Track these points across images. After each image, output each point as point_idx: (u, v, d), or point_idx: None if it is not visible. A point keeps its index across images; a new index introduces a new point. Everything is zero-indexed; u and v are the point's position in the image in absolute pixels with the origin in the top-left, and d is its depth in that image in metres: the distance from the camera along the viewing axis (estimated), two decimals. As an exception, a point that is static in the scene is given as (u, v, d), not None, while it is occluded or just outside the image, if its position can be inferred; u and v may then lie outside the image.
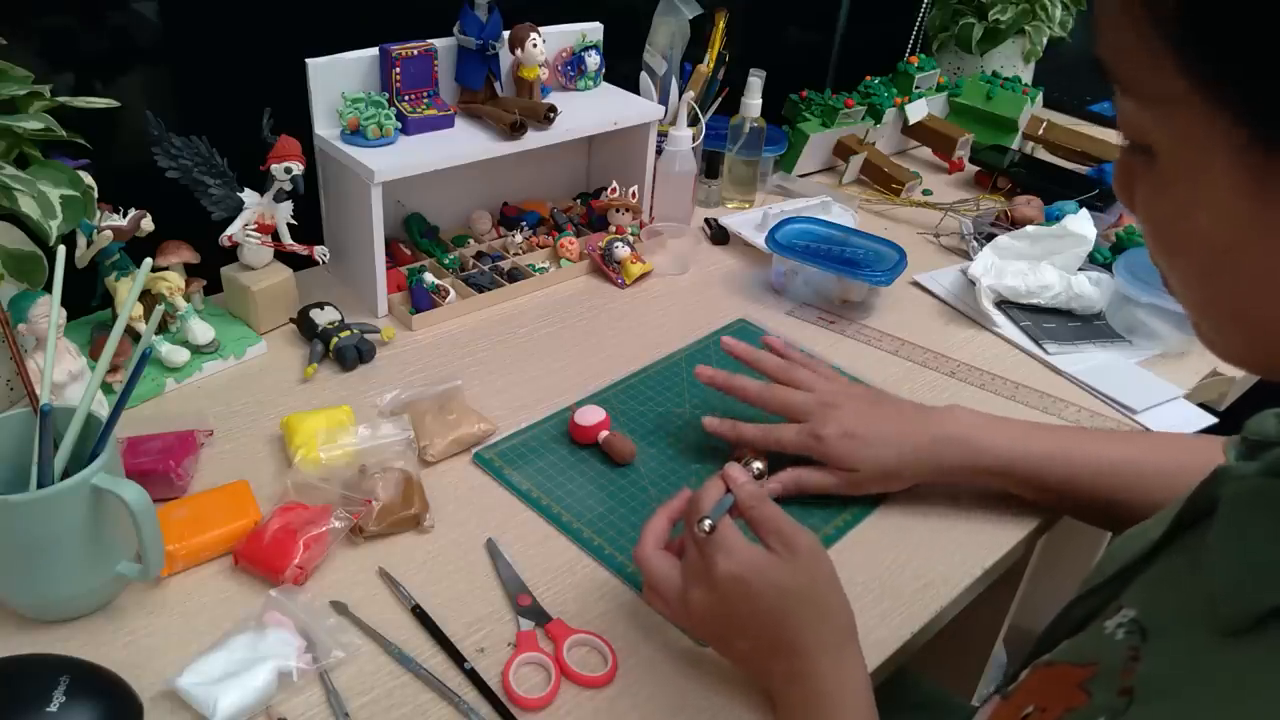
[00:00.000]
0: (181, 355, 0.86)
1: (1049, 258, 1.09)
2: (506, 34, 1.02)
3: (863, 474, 0.75)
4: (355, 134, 0.93)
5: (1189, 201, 0.35)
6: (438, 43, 1.00)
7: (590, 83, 1.14)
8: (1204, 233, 0.35)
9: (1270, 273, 0.33)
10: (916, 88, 1.50)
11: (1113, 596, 0.45)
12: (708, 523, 0.60)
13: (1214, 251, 0.35)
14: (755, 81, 1.23)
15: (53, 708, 0.53)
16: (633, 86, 1.19)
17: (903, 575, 0.72)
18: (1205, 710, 0.34)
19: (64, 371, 0.73)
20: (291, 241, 0.94)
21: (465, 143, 0.99)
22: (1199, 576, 0.39)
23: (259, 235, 0.91)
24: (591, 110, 1.09)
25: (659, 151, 1.17)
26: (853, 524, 0.76)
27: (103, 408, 0.72)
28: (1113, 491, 0.72)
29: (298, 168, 0.89)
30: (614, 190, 1.13)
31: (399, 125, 0.96)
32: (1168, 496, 0.58)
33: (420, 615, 0.65)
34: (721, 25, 1.23)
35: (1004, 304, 1.08)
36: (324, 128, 0.96)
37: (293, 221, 0.94)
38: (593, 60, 1.13)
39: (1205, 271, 0.36)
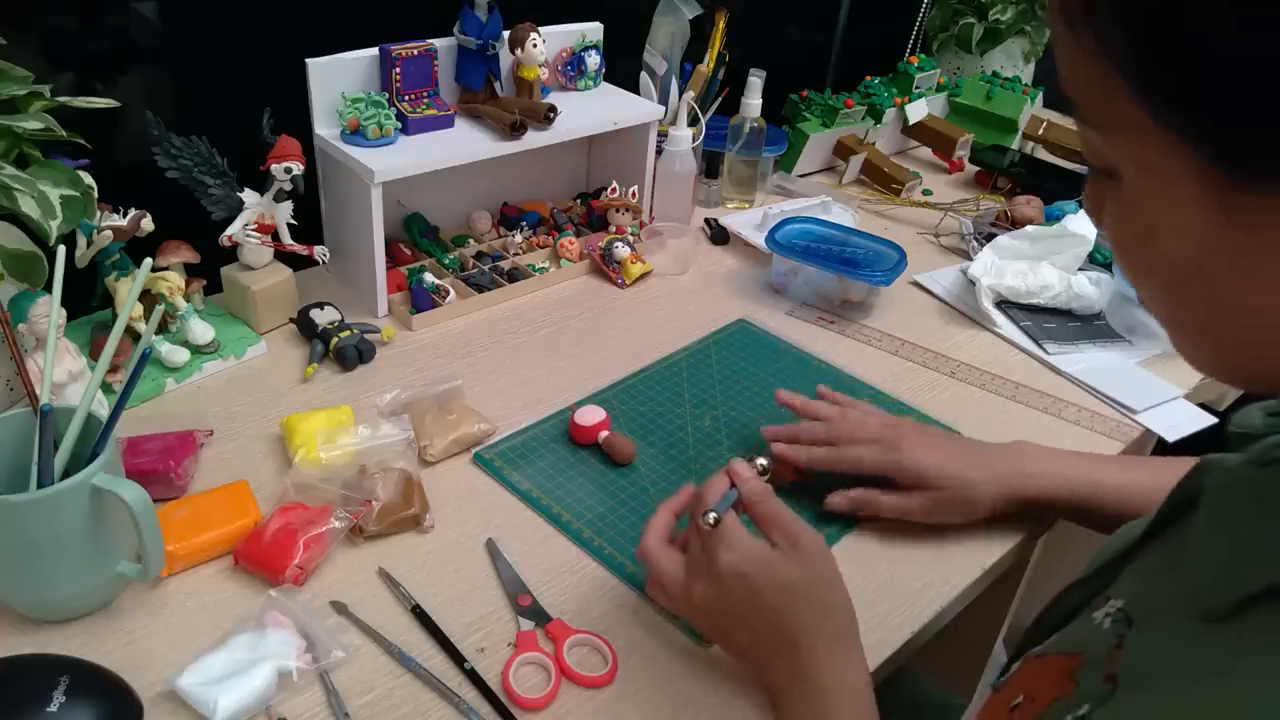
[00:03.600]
0: (181, 355, 0.86)
1: (1049, 258, 1.09)
2: (506, 34, 1.02)
3: (947, 493, 0.72)
4: (355, 134, 0.93)
5: (1154, 224, 0.35)
6: (438, 43, 1.00)
7: (590, 83, 1.14)
8: (1170, 254, 0.35)
9: (1236, 293, 0.34)
10: (916, 88, 1.50)
11: (1102, 588, 0.46)
12: (712, 515, 0.60)
13: (1181, 273, 0.35)
14: (755, 81, 1.23)
15: (53, 708, 0.53)
16: (633, 86, 1.19)
17: (903, 575, 0.72)
18: (1187, 695, 0.34)
19: (64, 371, 0.73)
20: (291, 241, 0.94)
21: (465, 143, 0.99)
22: (1183, 565, 0.39)
23: (259, 235, 0.91)
24: (591, 110, 1.09)
25: (659, 151, 1.17)
26: (853, 524, 0.76)
27: (103, 408, 0.72)
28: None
29: (298, 168, 0.89)
30: (614, 190, 1.13)
31: (399, 125, 0.96)
32: None
33: (420, 615, 0.65)
34: (721, 25, 1.23)
35: (1004, 304, 1.08)
36: (324, 128, 0.96)
37: (293, 221, 0.94)
38: (593, 60, 1.12)
39: (1173, 292, 0.37)
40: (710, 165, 1.31)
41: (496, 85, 1.05)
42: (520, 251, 1.11)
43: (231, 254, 0.93)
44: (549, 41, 1.05)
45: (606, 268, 1.10)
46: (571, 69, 1.12)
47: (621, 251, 1.09)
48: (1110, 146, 0.35)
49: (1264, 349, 0.35)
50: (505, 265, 1.08)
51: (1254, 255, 0.32)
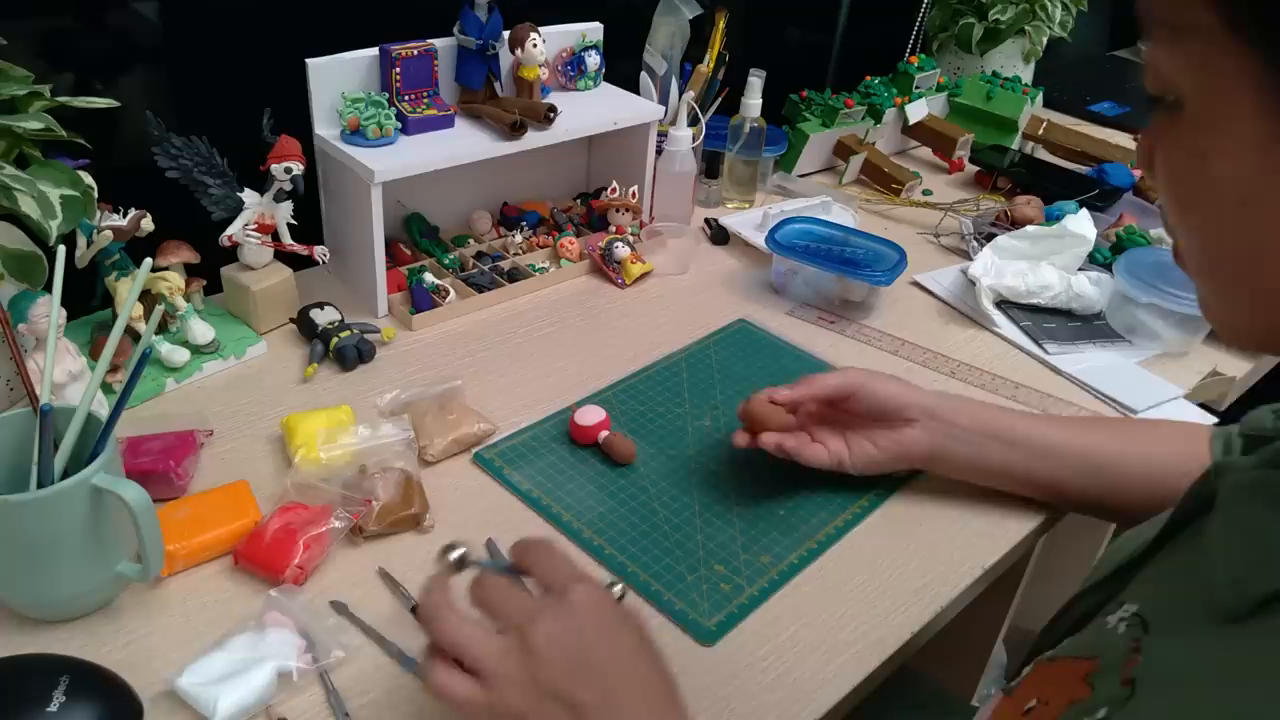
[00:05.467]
0: (181, 355, 0.86)
1: (1049, 258, 1.09)
2: (506, 34, 1.02)
3: (900, 399, 0.74)
4: (355, 134, 0.93)
5: (1211, 149, 0.35)
6: (438, 43, 1.00)
7: (590, 83, 1.14)
8: (1223, 182, 0.34)
9: None
10: (916, 88, 1.50)
11: (1114, 593, 0.46)
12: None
13: (1230, 204, 0.35)
14: (755, 81, 1.23)
15: (53, 708, 0.53)
16: (633, 86, 1.19)
17: (903, 575, 0.72)
18: (1206, 697, 0.34)
19: (64, 371, 0.73)
20: (291, 241, 0.94)
21: (465, 143, 0.99)
22: (1198, 569, 0.39)
23: (259, 235, 0.91)
24: (591, 110, 1.09)
25: (659, 151, 1.17)
26: (853, 524, 0.76)
27: (103, 408, 0.72)
28: (1104, 487, 0.72)
29: (298, 168, 0.89)
30: (614, 190, 1.13)
31: (399, 125, 0.96)
32: (1159, 483, 0.59)
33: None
34: (721, 25, 1.23)
35: (1004, 304, 1.08)
36: (324, 128, 0.96)
37: (293, 221, 0.94)
38: (593, 60, 1.12)
39: (1219, 227, 0.36)
40: (710, 165, 1.31)
41: (496, 85, 1.05)
42: (520, 251, 1.11)
43: (231, 254, 0.93)
44: (549, 41, 1.05)
45: (606, 268, 1.10)
46: (571, 69, 1.12)
47: (621, 251, 1.09)
48: (1176, 63, 0.35)
49: None
50: (505, 265, 1.08)
51: None
